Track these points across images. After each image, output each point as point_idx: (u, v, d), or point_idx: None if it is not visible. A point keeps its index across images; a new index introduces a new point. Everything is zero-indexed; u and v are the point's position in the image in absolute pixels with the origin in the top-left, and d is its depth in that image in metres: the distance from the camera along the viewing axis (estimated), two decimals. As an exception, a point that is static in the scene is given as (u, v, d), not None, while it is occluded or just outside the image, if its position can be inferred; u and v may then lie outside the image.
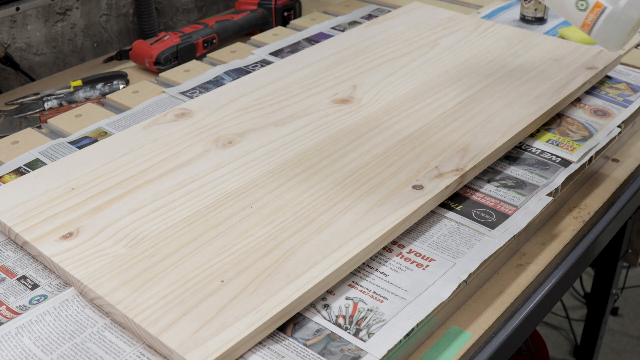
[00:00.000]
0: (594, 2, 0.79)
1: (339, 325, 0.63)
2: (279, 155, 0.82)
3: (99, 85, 1.08)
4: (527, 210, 0.77)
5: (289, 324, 0.63)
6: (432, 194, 0.75)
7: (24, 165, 0.87)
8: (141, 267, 0.66)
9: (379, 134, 0.86)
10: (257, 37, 1.22)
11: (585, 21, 0.80)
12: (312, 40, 1.18)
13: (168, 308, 0.62)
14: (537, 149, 0.88)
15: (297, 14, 1.34)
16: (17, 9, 1.07)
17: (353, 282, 0.68)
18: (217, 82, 1.05)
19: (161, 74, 1.11)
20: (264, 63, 1.11)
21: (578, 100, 0.99)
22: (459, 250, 0.71)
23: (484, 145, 0.83)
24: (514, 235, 0.73)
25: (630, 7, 0.79)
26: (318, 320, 0.64)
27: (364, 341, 0.61)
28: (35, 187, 0.78)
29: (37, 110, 1.05)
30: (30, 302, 0.67)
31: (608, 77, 1.05)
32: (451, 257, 0.71)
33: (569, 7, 0.81)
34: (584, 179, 0.87)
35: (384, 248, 0.72)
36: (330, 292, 0.67)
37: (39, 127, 0.99)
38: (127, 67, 1.18)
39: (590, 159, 0.86)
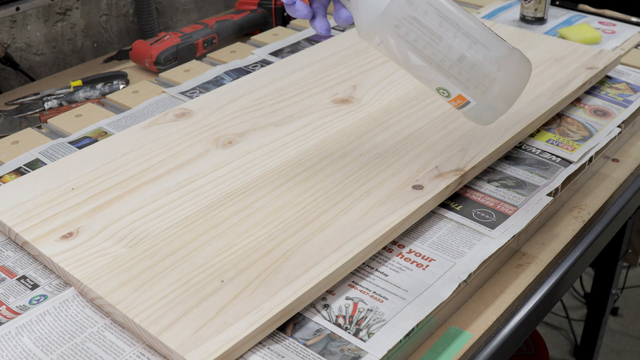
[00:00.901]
0: (456, 94, 0.69)
1: (339, 325, 0.63)
2: (279, 155, 0.82)
3: (99, 85, 1.08)
4: (527, 210, 0.77)
5: (289, 324, 0.63)
6: (432, 194, 0.75)
7: (24, 165, 0.87)
8: (141, 267, 0.66)
9: (379, 134, 0.86)
10: (257, 37, 1.22)
11: (450, 104, 0.72)
12: (312, 40, 1.18)
13: (168, 308, 0.62)
14: (537, 149, 0.88)
15: (297, 14, 1.34)
16: (17, 9, 1.07)
17: (353, 282, 0.68)
18: (217, 82, 1.05)
19: (161, 74, 1.11)
20: (264, 63, 1.11)
21: (578, 100, 0.99)
22: (459, 250, 0.71)
23: (484, 145, 0.83)
24: (514, 235, 0.73)
25: (497, 101, 0.70)
26: (318, 320, 0.64)
27: (364, 341, 0.61)
28: (35, 187, 0.78)
29: (37, 110, 1.05)
30: (30, 302, 0.67)
31: (608, 77, 1.05)
32: (451, 257, 0.71)
33: (431, 88, 0.71)
34: (584, 179, 0.87)
35: (384, 248, 0.72)
36: (330, 292, 0.67)
37: (39, 127, 0.99)
38: (127, 67, 1.18)
39: (590, 159, 0.86)
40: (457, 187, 0.79)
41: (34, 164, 0.87)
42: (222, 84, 1.04)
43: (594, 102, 0.98)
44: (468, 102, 0.70)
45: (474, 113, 0.71)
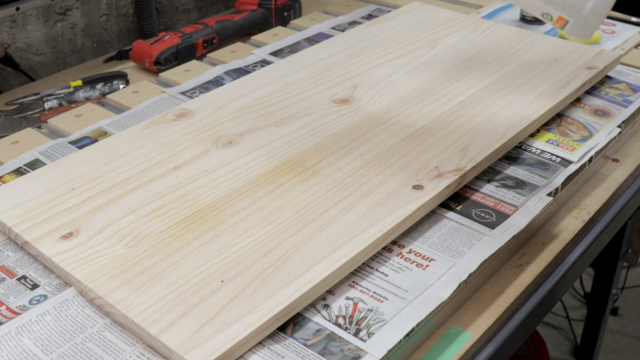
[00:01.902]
0: (557, 16, 0.82)
1: (339, 325, 0.63)
2: (279, 155, 0.82)
3: (99, 85, 1.08)
4: (527, 210, 0.77)
5: (289, 324, 0.63)
6: (432, 194, 0.75)
7: (24, 165, 0.87)
8: (141, 267, 0.66)
9: (379, 134, 0.86)
10: (257, 37, 1.23)
11: (554, 25, 0.84)
12: (312, 40, 1.18)
13: (168, 308, 0.62)
14: (537, 149, 0.88)
15: (297, 14, 1.34)
16: (17, 9, 1.07)
17: (353, 282, 0.68)
18: (217, 82, 1.05)
19: (161, 74, 1.11)
20: (264, 63, 1.11)
21: (578, 100, 0.99)
22: (459, 250, 0.71)
23: (484, 145, 0.83)
24: (514, 235, 0.73)
25: (591, 17, 0.82)
26: (318, 320, 0.64)
27: (364, 341, 0.61)
28: (35, 187, 0.78)
29: (37, 110, 1.05)
30: (30, 302, 0.67)
31: (608, 77, 1.05)
32: (451, 257, 0.71)
33: (537, 14, 0.84)
34: (584, 179, 0.87)
35: (384, 248, 0.72)
36: (330, 292, 0.67)
37: (39, 127, 0.99)
38: (127, 67, 1.18)
39: (590, 159, 0.86)
40: (457, 187, 0.79)
41: (34, 164, 0.87)
42: (222, 84, 1.04)
43: (594, 102, 0.98)
44: (567, 22, 0.82)
45: (574, 30, 0.83)
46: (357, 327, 0.63)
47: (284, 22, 1.31)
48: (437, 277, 0.68)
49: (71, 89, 1.09)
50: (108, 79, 1.11)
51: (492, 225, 0.75)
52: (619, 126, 0.92)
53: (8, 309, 0.66)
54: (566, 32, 0.84)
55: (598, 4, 0.82)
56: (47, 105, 1.06)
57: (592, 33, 0.85)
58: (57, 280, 0.69)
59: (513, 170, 0.84)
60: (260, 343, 0.61)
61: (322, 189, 0.76)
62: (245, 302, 0.62)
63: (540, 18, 0.84)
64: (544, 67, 1.01)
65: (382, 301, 0.65)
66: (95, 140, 0.91)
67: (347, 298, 0.66)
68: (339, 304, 0.65)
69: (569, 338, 1.91)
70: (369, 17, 1.29)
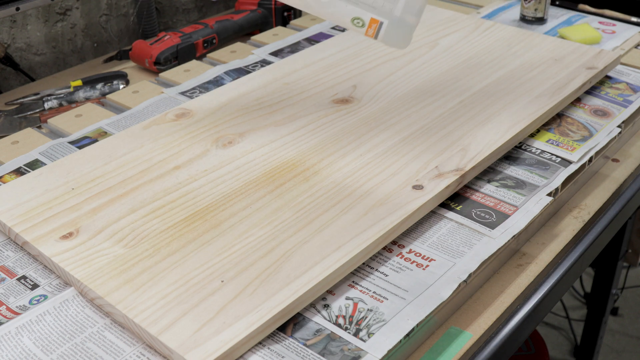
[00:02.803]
0: (369, 19, 0.77)
1: (339, 325, 0.63)
2: (279, 155, 0.82)
3: (99, 85, 1.08)
4: (527, 210, 0.77)
5: (289, 324, 0.63)
6: (432, 194, 0.75)
7: (24, 165, 0.87)
8: (141, 267, 0.66)
9: (379, 134, 0.86)
10: (257, 37, 1.23)
11: (367, 34, 0.79)
12: (312, 40, 1.18)
13: (168, 308, 0.62)
14: (537, 149, 0.88)
15: (297, 14, 1.34)
16: (17, 9, 1.07)
17: (353, 282, 0.68)
18: (217, 82, 1.05)
19: (161, 74, 1.11)
20: (264, 63, 1.11)
21: (578, 100, 0.99)
22: (459, 250, 0.71)
23: (484, 145, 0.83)
24: (514, 235, 0.73)
25: (406, 15, 0.78)
26: (318, 320, 0.64)
27: (364, 341, 0.61)
28: (35, 187, 0.78)
29: (37, 110, 1.05)
30: (30, 302, 0.67)
31: (608, 77, 1.05)
32: (451, 257, 0.71)
33: (346, 23, 0.78)
34: (584, 179, 0.87)
35: (384, 248, 0.72)
36: (330, 292, 0.67)
37: (39, 127, 0.99)
38: (127, 67, 1.18)
39: (590, 159, 0.86)
40: (457, 187, 0.79)
41: (34, 164, 0.87)
42: (222, 84, 1.04)
43: (594, 102, 0.98)
44: (381, 24, 0.77)
45: (390, 34, 0.78)
46: (357, 327, 0.63)
47: (284, 22, 1.31)
48: (437, 277, 0.68)
49: (71, 89, 1.09)
50: (108, 79, 1.11)
51: (492, 225, 0.75)
52: (619, 126, 0.92)
53: (8, 309, 0.66)
54: (381, 39, 0.79)
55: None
56: (47, 105, 1.06)
57: (410, 37, 0.79)
58: (57, 280, 0.69)
59: (513, 170, 0.84)
60: (260, 343, 0.61)
61: (322, 189, 0.76)
62: (245, 302, 0.62)
63: (352, 28, 0.78)
64: (544, 67, 1.01)
65: (382, 301, 0.65)
66: (95, 140, 0.91)
67: (347, 298, 0.66)
68: (339, 304, 0.65)
69: (569, 338, 1.91)
70: (369, 17, 1.29)
